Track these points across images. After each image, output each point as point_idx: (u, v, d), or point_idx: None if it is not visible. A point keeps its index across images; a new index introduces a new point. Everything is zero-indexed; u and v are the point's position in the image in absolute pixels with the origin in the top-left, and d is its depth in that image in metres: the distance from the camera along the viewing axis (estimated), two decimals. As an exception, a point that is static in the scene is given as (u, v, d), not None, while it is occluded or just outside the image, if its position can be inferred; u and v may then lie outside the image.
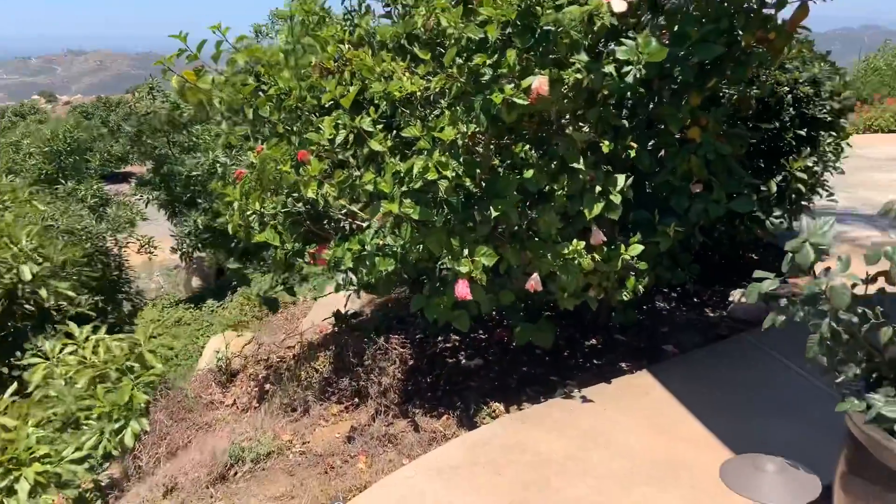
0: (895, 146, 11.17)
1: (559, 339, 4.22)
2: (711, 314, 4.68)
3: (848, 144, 5.32)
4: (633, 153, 3.49)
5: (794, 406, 3.37)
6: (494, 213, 3.23)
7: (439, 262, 3.26)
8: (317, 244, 3.70)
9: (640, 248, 3.50)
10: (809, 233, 2.06)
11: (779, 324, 2.22)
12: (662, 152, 3.78)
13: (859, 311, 1.94)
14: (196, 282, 12.60)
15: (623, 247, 3.52)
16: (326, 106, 3.99)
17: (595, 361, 4.06)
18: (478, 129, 3.20)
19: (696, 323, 4.53)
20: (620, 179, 3.37)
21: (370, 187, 3.24)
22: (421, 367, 4.07)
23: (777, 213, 4.99)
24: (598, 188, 3.35)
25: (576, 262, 3.38)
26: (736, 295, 4.73)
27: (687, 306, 4.81)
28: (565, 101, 3.25)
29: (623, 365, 3.98)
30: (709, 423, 3.26)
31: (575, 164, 3.29)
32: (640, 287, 3.64)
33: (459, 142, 3.20)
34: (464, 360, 4.14)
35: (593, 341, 4.30)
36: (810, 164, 4.92)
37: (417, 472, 3.03)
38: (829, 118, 4.94)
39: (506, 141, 3.63)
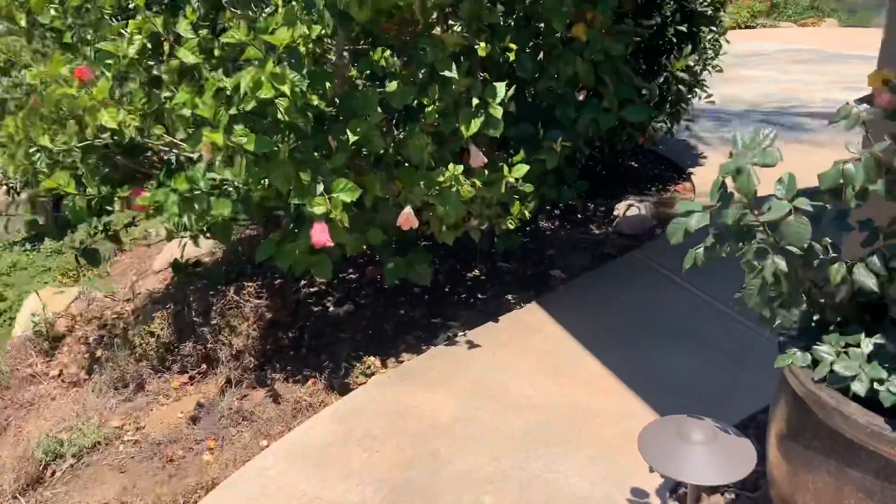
0: (755, 41, 11.35)
1: (438, 272, 3.76)
2: (597, 231, 4.37)
3: (726, 40, 5.06)
4: (512, 56, 2.95)
5: (692, 331, 3.12)
6: (353, 138, 2.61)
7: (291, 200, 2.63)
8: (132, 185, 2.95)
9: (526, 168, 3.04)
10: (747, 149, 1.63)
11: (701, 262, 1.83)
12: (543, 56, 3.28)
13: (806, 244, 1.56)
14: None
15: (506, 168, 3.04)
16: (132, 7, 3.14)
17: (479, 296, 3.64)
18: (324, 32, 2.53)
19: (582, 242, 4.20)
20: (500, 88, 2.84)
21: (187, 111, 2.51)
22: (281, 320, 3.49)
23: (659, 117, 4.70)
24: (475, 101, 2.80)
25: (454, 189, 2.86)
26: (621, 208, 4.44)
27: (571, 224, 4.47)
28: (431, -8, 2.63)
29: (510, 297, 3.59)
30: (608, 360, 2.94)
31: (447, 73, 2.71)
32: (525, 212, 3.20)
33: (302, 48, 2.52)
34: (332, 307, 3.59)
35: (476, 272, 3.87)
36: (691, 64, 4.61)
37: (277, 459, 2.51)
38: (710, 11, 4.61)
39: (362, 46, 2.98)
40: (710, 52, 4.77)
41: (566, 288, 3.64)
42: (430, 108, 2.74)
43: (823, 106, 6.82)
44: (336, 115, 2.76)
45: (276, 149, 2.48)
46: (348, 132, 2.61)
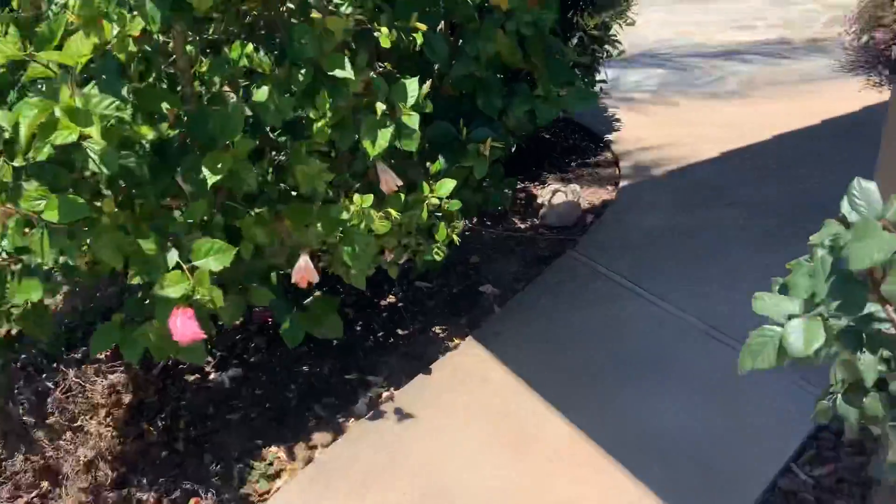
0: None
1: (345, 304, 3.03)
2: (521, 225, 3.76)
3: (637, -9, 4.50)
4: (419, 39, 2.21)
5: (666, 359, 2.59)
6: (212, 178, 1.81)
7: (130, 279, 1.82)
8: None
9: (451, 184, 2.34)
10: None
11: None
12: (456, 34, 2.56)
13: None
14: None
15: (426, 186, 2.33)
16: None
17: (400, 332, 2.95)
18: (149, 28, 1.69)
19: (507, 242, 3.58)
20: (412, 86, 2.10)
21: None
22: (147, 399, 2.66)
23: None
24: (380, 106, 2.05)
25: (363, 225, 2.13)
26: (545, 196, 3.84)
27: (491, 218, 3.83)
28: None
29: (438, 330, 2.93)
30: (576, 417, 2.36)
31: (339, 72, 1.94)
32: (454, 235, 2.52)
33: (120, 55, 1.68)
34: (213, 374, 2.80)
35: (391, 299, 3.17)
36: (607, 20, 4.01)
37: None
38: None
39: (212, 36, 2.14)
40: (623, 4, 4.20)
41: (503, 311, 3.01)
42: (319, 124, 1.97)
43: (721, 46, 6.50)
44: (186, 143, 1.94)
45: (92, 212, 1.65)
46: (205, 170, 1.81)
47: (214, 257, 1.79)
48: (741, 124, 4.58)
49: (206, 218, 1.90)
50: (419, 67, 2.43)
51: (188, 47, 2.04)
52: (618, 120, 4.99)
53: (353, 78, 1.93)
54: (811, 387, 2.30)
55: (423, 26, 2.14)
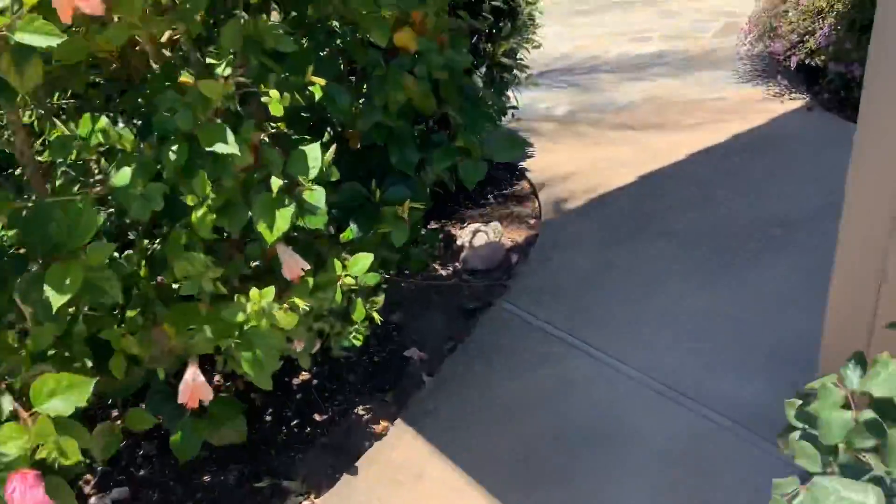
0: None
1: (249, 388, 2.61)
2: (444, 272, 3.45)
3: (539, 12, 4.30)
4: (318, 93, 1.85)
5: (630, 436, 2.31)
6: (59, 299, 1.39)
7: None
8: None
9: (367, 259, 1.99)
10: None
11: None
12: (359, 81, 2.22)
13: None
14: None
15: (338, 264, 1.98)
16: None
17: (318, 418, 2.57)
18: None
19: (431, 294, 3.26)
20: (313, 153, 1.74)
21: None
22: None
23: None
24: (276, 181, 1.68)
25: (264, 323, 1.75)
26: (465, 236, 3.55)
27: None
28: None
29: (362, 412, 2.57)
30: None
31: (219, 146, 1.56)
32: (373, 313, 2.18)
33: None
34: (94, 498, 2.31)
35: (304, 375, 2.78)
36: (514, 46, 3.78)
37: None
38: (525, -22, 3.79)
39: (56, 104, 1.71)
40: (528, 23, 3.98)
41: (434, 382, 2.69)
42: (200, 212, 1.58)
43: (620, 61, 6.46)
44: (26, 248, 1.50)
45: None
46: (48, 290, 1.38)
47: (62, 397, 1.37)
48: (653, 145, 4.46)
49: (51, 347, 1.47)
50: (319, 120, 2.08)
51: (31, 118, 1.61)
52: (530, 145, 4.78)
53: (238, 153, 1.55)
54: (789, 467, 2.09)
55: (320, 80, 1.79)
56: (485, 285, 3.29)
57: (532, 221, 3.83)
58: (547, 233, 3.60)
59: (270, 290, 1.73)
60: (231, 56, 1.54)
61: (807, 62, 4.79)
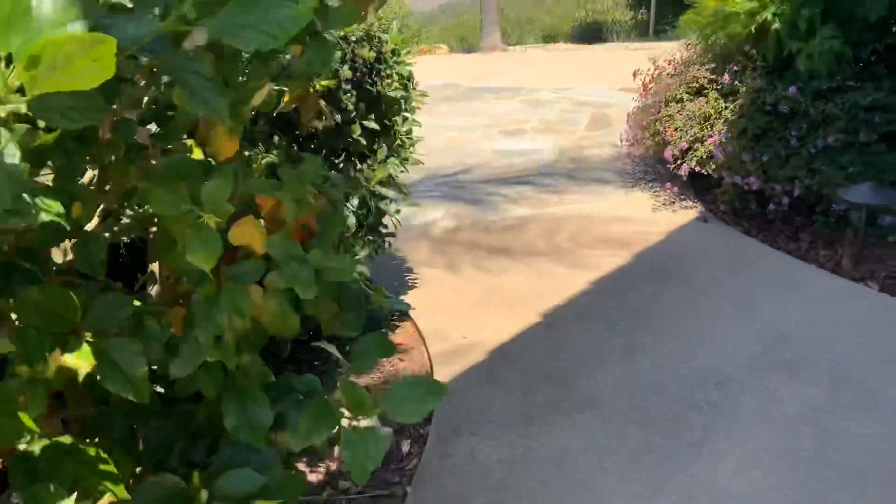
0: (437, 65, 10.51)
1: None
2: (312, 475, 2.60)
3: (417, 124, 3.67)
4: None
5: None
6: None
7: None
8: None
9: None
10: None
11: None
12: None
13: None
14: None
15: None
16: None
17: None
18: None
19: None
20: None
21: None
22: None
23: (362, 253, 3.10)
24: None
25: None
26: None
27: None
28: None
29: None
30: None
31: None
32: None
33: None
34: None
35: None
36: (391, 172, 3.10)
37: None
38: (401, 91, 3.15)
39: None
40: (405, 141, 3.32)
41: None
42: None
43: (498, 162, 6.00)
44: None
45: None
46: None
47: None
48: (549, 271, 3.91)
49: None
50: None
51: None
52: (412, 273, 4.09)
53: None
54: None
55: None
56: (370, 498, 2.48)
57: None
58: (446, 408, 2.86)
59: None
60: None
61: (697, 169, 4.50)
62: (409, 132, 3.31)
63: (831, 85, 4.00)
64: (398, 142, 3.16)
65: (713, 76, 4.57)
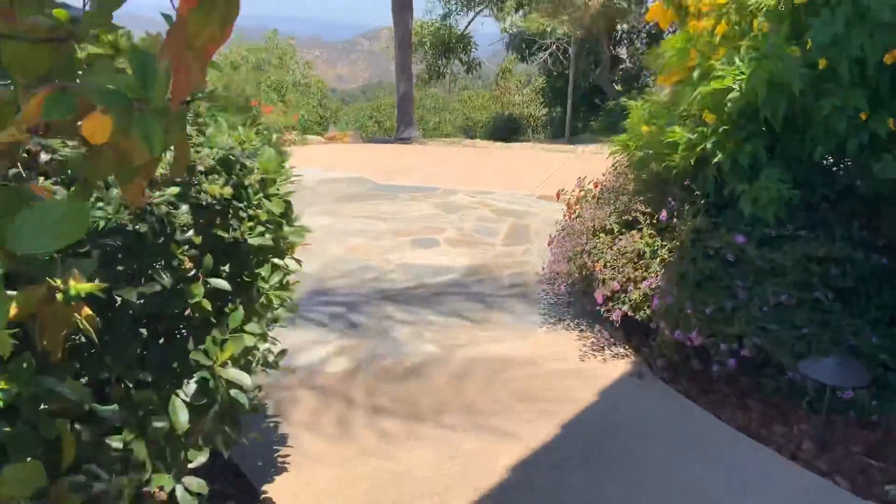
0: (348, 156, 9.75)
1: None
2: None
3: (292, 269, 2.88)
4: None
5: None
6: None
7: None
8: None
9: None
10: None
11: None
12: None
13: None
14: None
15: None
16: None
17: None
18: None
19: None
20: None
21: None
22: None
23: (198, 459, 2.23)
24: None
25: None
26: None
27: None
28: None
29: None
30: None
31: None
32: None
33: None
34: None
35: None
36: (250, 345, 2.28)
37: None
38: (270, 235, 2.38)
39: None
40: (275, 304, 2.51)
41: None
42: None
43: (405, 280, 5.28)
44: None
45: None
46: None
47: None
48: (461, 447, 3.14)
49: None
50: None
51: None
52: (283, 439, 3.22)
53: None
54: None
55: None
56: None
57: None
58: None
59: None
60: None
61: (629, 314, 3.91)
62: (283, 283, 2.52)
63: (781, 232, 3.53)
64: (262, 301, 2.36)
65: (647, 209, 4.05)
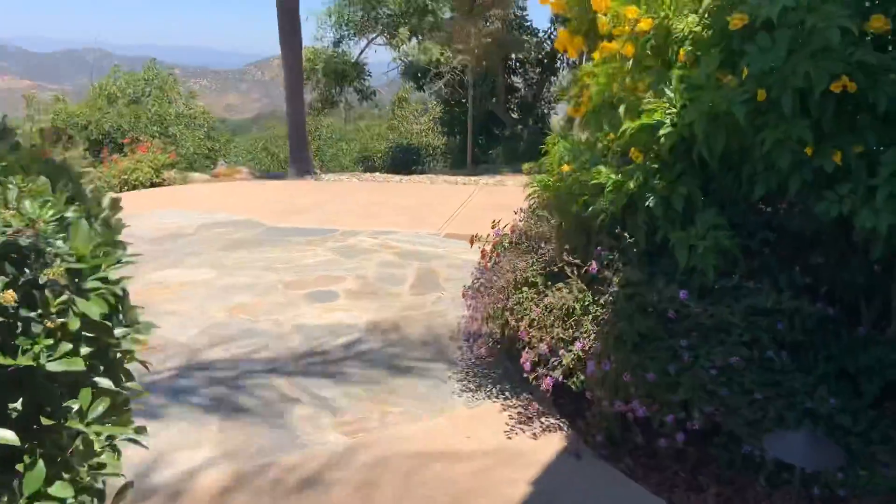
0: (168, 209, 8.81)
1: None
2: None
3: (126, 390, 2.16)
4: None
5: None
6: None
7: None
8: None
9: None
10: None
11: None
12: None
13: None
14: None
15: None
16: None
17: None
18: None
19: None
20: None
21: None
22: None
23: None
24: None
25: None
26: None
27: None
28: None
29: None
30: None
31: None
32: None
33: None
34: None
35: None
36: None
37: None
38: (89, 351, 1.67)
39: None
40: (97, 446, 1.80)
41: None
42: None
43: (300, 346, 4.58)
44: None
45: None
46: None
47: None
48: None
49: None
50: None
51: None
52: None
53: None
54: None
55: None
56: None
57: None
58: None
59: None
60: None
61: (563, 380, 3.40)
62: (119, 404, 1.81)
63: (723, 284, 3.14)
64: (78, 445, 1.65)
65: (574, 259, 3.58)
